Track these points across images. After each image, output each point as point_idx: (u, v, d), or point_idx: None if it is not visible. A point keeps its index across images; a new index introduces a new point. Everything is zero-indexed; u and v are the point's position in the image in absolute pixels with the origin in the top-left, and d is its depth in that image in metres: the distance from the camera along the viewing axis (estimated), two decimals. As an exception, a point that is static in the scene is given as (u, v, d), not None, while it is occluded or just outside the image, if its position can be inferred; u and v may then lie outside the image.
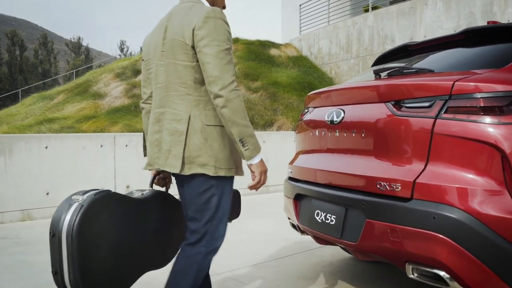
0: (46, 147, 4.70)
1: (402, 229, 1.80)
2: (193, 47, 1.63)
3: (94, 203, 1.60)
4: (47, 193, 4.69)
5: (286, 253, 3.35)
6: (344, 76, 10.85)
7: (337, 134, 2.25)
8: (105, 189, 1.70)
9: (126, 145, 5.25)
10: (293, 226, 2.66)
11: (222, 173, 1.66)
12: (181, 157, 1.63)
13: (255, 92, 9.20)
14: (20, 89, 24.57)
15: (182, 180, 1.72)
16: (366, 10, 11.20)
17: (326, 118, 2.33)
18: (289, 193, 2.58)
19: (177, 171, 1.64)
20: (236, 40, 12.09)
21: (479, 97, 1.75)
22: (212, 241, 1.72)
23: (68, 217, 1.55)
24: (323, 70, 11.58)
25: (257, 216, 4.59)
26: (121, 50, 52.06)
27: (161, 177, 1.96)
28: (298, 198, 2.49)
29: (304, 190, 2.40)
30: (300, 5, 13.43)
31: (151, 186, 1.93)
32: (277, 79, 9.90)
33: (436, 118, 1.80)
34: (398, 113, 1.94)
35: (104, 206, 1.65)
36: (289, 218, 2.72)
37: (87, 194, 1.62)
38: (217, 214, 1.71)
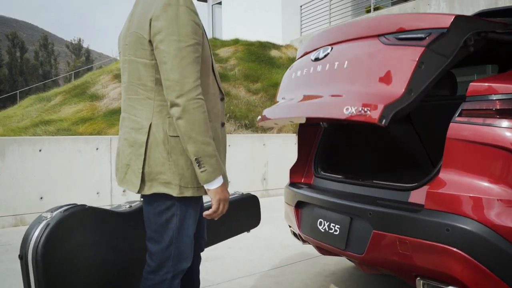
0: (40, 150, 4.57)
1: (413, 241, 1.67)
2: (150, 41, 1.34)
3: (63, 221, 1.43)
4: (41, 198, 4.56)
5: (287, 261, 3.22)
6: (346, 78, 10.73)
7: (319, 68, 2.00)
8: (79, 204, 1.53)
9: (123, 148, 5.12)
10: (294, 234, 2.53)
11: (188, 193, 1.41)
12: (140, 174, 1.39)
13: (255, 93, 9.08)
14: (18, 91, 24.46)
15: (147, 203, 1.49)
16: (368, 11, 11.09)
17: (311, 58, 2.11)
18: (290, 200, 2.45)
19: (135, 190, 1.41)
20: (236, 41, 11.98)
21: (495, 99, 1.61)
22: (177, 265, 1.48)
23: (33, 238, 1.39)
24: (324, 71, 11.45)
25: (257, 221, 4.45)
26: (122, 51, 51.95)
27: None
28: (299, 206, 2.36)
29: (306, 197, 2.27)
30: (301, 6, 13.32)
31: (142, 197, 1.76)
32: (277, 81, 9.77)
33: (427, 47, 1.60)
34: (387, 42, 1.74)
35: (77, 223, 1.47)
36: (289, 226, 2.59)
37: (57, 211, 1.45)
38: (180, 236, 1.46)
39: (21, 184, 4.45)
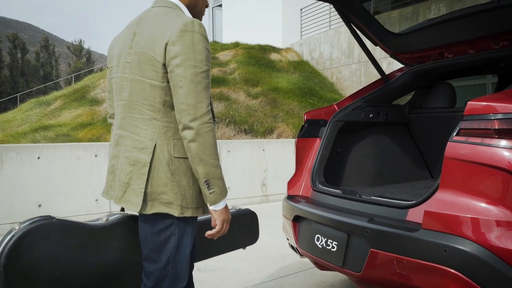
0: (39, 158, 4.56)
1: (410, 261, 1.65)
2: (164, 65, 1.37)
3: (28, 233, 1.43)
4: (39, 205, 4.55)
5: (286, 272, 3.20)
6: (346, 82, 10.71)
7: None
8: (47, 216, 1.52)
9: (122, 155, 5.10)
10: (292, 247, 2.51)
11: (188, 213, 1.44)
12: (142, 194, 1.40)
13: (255, 98, 9.06)
14: (18, 94, 24.47)
15: (147, 222, 1.49)
16: (368, 15, 11.06)
17: None
18: (288, 214, 2.43)
19: (136, 210, 1.42)
20: (236, 45, 11.96)
21: (493, 118, 1.60)
22: (174, 285, 1.49)
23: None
24: (324, 75, 11.44)
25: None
26: (122, 53, 51.98)
27: None
28: (297, 220, 2.34)
29: (303, 212, 2.25)
30: (301, 9, 13.31)
31: (123, 210, 1.69)
32: (277, 85, 9.76)
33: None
34: None
35: (42, 235, 1.46)
36: (287, 239, 2.57)
37: (25, 223, 1.45)
38: (178, 255, 1.48)
39: (19, 192, 4.44)
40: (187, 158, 1.41)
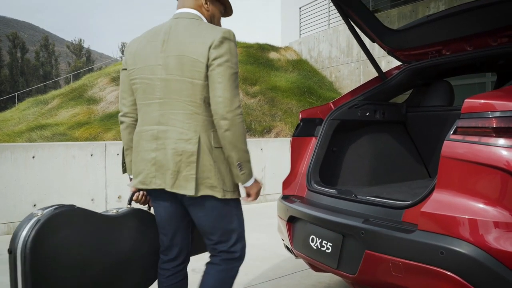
0: (33, 157, 4.52)
1: (406, 263, 1.61)
2: (206, 65, 1.58)
3: (53, 218, 1.49)
4: (34, 205, 4.50)
5: (282, 272, 3.16)
6: (345, 80, 10.66)
7: None
8: (68, 204, 1.59)
9: (118, 154, 5.06)
10: (287, 248, 2.46)
11: (228, 195, 1.67)
12: (194, 179, 1.60)
13: (253, 97, 9.01)
14: (17, 93, 24.42)
15: (195, 204, 1.68)
16: (367, 13, 11.00)
17: None
18: (283, 214, 2.38)
19: (191, 193, 1.61)
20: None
21: (491, 116, 1.55)
22: (244, 253, 1.81)
23: (24, 233, 1.45)
24: (323, 74, 11.39)
25: (253, 229, 4.39)
26: (122, 52, 52.09)
27: (143, 194, 1.81)
28: (291, 220, 2.30)
29: (298, 212, 2.20)
30: (300, 8, 13.26)
31: (130, 204, 1.82)
32: (276, 84, 9.71)
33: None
34: None
35: (65, 222, 1.53)
36: (282, 240, 2.53)
37: (48, 209, 1.51)
38: (243, 231, 1.79)
39: (14, 191, 4.40)
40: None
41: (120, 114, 1.82)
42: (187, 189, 1.60)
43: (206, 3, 1.73)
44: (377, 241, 1.71)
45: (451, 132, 1.61)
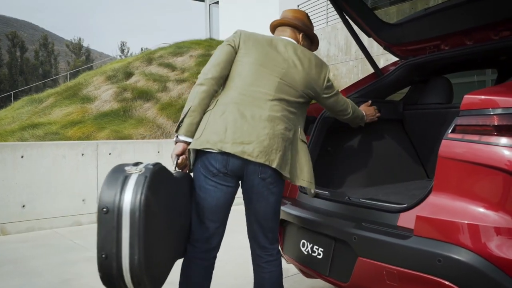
0: (22, 157, 4.40)
1: (401, 272, 1.50)
2: (317, 92, 1.87)
3: (157, 174, 1.41)
4: (23, 206, 4.39)
5: (275, 276, 3.03)
6: (343, 79, 10.55)
7: None
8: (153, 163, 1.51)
9: (110, 154, 4.95)
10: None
11: (303, 184, 1.77)
12: (289, 162, 1.71)
13: (251, 95, 8.89)
14: (12, 92, 24.28)
15: (273, 185, 1.71)
16: (366, 11, 10.88)
17: None
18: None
19: (287, 174, 1.69)
20: (233, 42, 11.78)
21: (492, 113, 1.44)
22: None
23: (129, 191, 1.34)
24: (322, 72, 11.26)
25: (244, 230, 4.27)
26: (122, 51, 51.99)
27: (185, 157, 1.75)
28: (282, 224, 2.18)
29: (289, 215, 2.09)
30: (298, 5, 13.14)
31: (175, 169, 1.73)
32: (274, 82, 9.58)
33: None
34: None
35: (162, 179, 1.47)
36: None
37: (142, 165, 1.42)
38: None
39: (1, 192, 4.28)
40: (304, 142, 1.82)
41: (204, 77, 1.84)
42: (283, 170, 1.68)
43: None
44: (371, 247, 1.61)
45: (449, 131, 1.50)
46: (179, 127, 1.74)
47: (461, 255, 1.37)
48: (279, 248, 1.84)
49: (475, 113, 1.46)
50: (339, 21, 11.34)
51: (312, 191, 1.98)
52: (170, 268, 1.60)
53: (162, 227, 1.47)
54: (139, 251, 1.31)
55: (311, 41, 2.05)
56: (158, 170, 1.43)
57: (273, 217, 1.78)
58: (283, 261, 2.24)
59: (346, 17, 2.51)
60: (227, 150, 1.62)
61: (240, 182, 1.74)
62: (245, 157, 1.62)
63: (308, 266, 1.93)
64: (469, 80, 7.15)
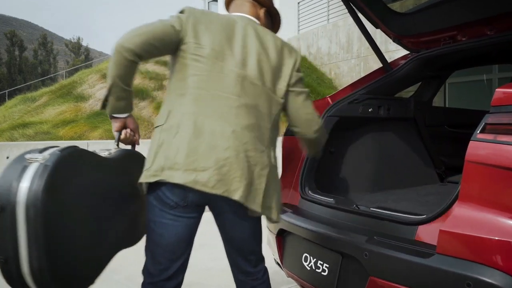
0: (7, 157, 4.19)
1: (421, 296, 1.28)
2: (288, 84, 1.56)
3: (62, 162, 1.20)
4: (9, 209, 4.18)
5: (273, 286, 2.82)
6: (345, 78, 10.34)
7: None
8: (68, 145, 1.30)
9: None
10: (278, 264, 2.13)
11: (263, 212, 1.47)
12: (259, 192, 1.44)
13: (250, 94, 8.69)
14: (7, 90, 24.08)
15: (235, 214, 1.44)
16: (368, 8, 10.69)
17: None
18: (272, 227, 2.05)
19: (255, 207, 1.40)
20: (232, 39, 11.59)
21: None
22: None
23: (25, 183, 1.15)
24: (323, 70, 11.06)
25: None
26: (121, 50, 51.77)
27: (129, 131, 1.51)
28: (282, 234, 1.96)
29: (289, 225, 1.87)
30: (298, 3, 12.96)
31: (118, 145, 1.52)
32: (273, 80, 9.37)
33: None
34: None
35: (74, 166, 1.26)
36: (273, 255, 2.19)
37: (48, 152, 1.22)
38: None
39: (-14, 195, 4.07)
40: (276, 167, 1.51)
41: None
42: (249, 201, 1.40)
43: None
44: (384, 266, 1.39)
45: (478, 131, 1.28)
46: (104, 105, 1.45)
47: (495, 279, 1.16)
48: (265, 266, 1.61)
49: (510, 109, 1.24)
50: (340, 18, 11.13)
51: (275, 218, 1.50)
52: (104, 264, 1.40)
53: (83, 221, 1.28)
54: (39, 253, 1.14)
55: (272, 20, 1.67)
56: (67, 156, 1.22)
57: (253, 239, 1.52)
58: (283, 274, 2.02)
59: (352, 6, 2.29)
60: (175, 181, 1.31)
61: (207, 206, 1.46)
62: (198, 187, 1.31)
63: (311, 284, 1.71)
64: (473, 79, 6.92)
